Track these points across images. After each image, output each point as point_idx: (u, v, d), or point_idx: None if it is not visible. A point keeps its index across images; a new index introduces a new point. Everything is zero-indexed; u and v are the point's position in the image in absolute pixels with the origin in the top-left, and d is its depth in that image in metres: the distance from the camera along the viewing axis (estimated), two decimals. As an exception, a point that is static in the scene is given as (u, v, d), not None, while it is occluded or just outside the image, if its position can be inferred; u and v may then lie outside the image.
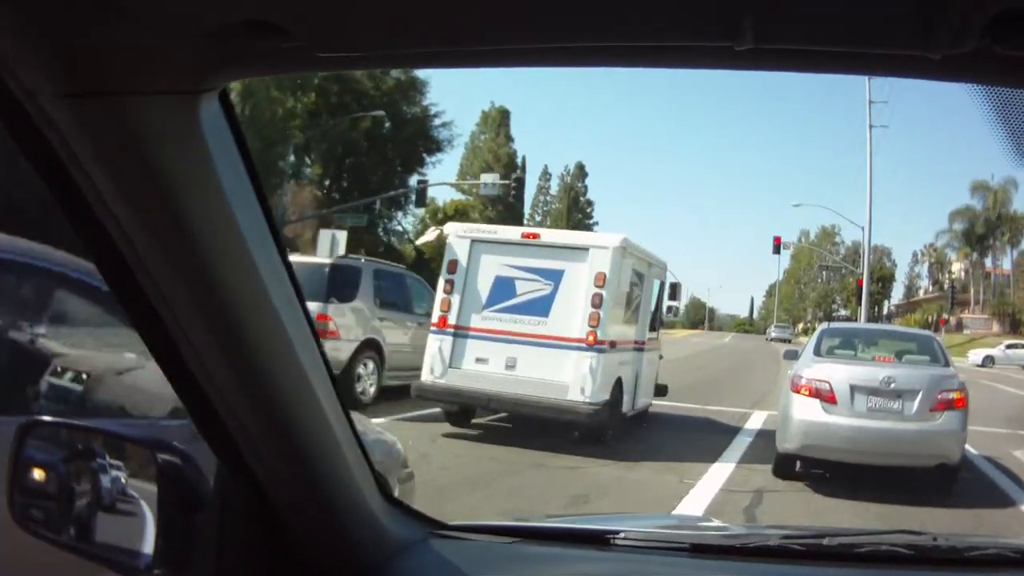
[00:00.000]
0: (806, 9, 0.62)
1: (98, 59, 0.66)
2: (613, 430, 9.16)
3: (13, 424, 1.27)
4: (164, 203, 0.76)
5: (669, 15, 0.63)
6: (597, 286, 8.72)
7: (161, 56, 0.68)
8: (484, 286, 9.11)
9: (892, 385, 7.63)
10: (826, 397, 7.70)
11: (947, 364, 8.42)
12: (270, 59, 0.71)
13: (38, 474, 1.29)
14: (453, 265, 9.22)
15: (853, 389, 7.68)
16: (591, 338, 8.62)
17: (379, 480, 1.22)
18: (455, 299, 9.08)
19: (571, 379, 8.61)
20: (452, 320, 9.06)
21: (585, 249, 9.04)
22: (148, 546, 1.12)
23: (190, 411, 1.00)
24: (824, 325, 10.46)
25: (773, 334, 71.39)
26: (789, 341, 62.38)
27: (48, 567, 1.44)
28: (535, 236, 9.38)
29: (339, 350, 10.24)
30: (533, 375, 8.67)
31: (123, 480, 1.22)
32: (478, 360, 8.90)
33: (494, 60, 0.73)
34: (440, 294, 9.28)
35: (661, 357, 12.21)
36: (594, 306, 8.69)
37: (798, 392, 7.94)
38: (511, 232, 9.84)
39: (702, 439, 10.27)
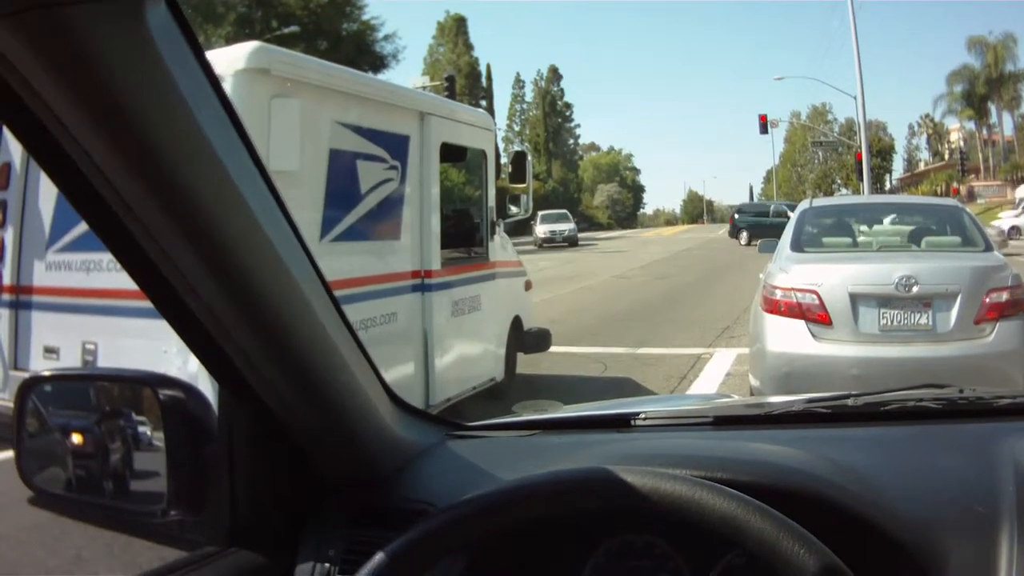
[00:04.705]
0: None
1: None
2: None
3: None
4: (123, 116, 0.71)
5: None
6: None
7: None
8: (47, 203, 4.93)
9: (915, 288, 5.14)
10: (815, 316, 5.22)
11: (988, 247, 5.84)
12: None
13: (44, 433, 1.25)
14: (3, 172, 5.17)
15: (855, 300, 5.22)
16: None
17: (389, 389, 1.18)
18: (7, 233, 5.17)
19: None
20: (6, 277, 5.17)
21: None
22: (162, 488, 1.08)
23: (182, 336, 0.95)
24: (805, 203, 6.96)
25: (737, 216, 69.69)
26: None
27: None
28: None
29: None
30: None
31: (131, 424, 1.17)
32: (47, 352, 4.98)
33: None
34: None
35: (529, 285, 7.99)
36: None
37: (773, 311, 5.37)
38: None
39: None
